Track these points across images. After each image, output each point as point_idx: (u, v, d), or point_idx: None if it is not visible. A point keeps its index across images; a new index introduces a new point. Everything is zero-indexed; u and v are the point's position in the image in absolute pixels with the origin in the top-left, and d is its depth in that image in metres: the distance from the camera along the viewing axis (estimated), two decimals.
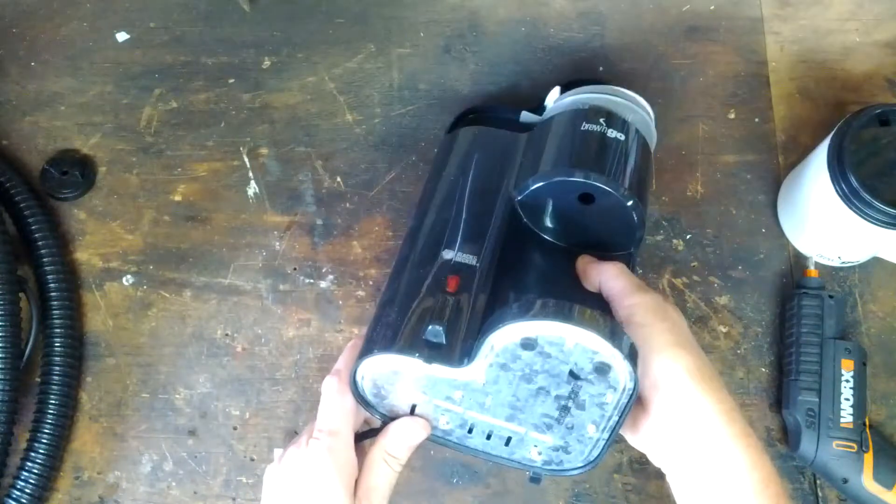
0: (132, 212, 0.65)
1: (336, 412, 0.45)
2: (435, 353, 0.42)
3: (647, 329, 0.43)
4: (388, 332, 0.44)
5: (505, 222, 0.51)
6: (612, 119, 0.52)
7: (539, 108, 0.59)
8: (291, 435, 0.59)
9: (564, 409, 0.42)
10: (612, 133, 0.51)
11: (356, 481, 0.44)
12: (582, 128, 0.52)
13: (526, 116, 0.60)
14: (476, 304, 0.45)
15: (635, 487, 0.58)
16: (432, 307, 0.44)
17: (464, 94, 0.68)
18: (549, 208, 0.51)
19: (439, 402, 0.44)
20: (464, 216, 0.51)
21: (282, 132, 0.67)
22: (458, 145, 0.57)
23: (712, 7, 0.70)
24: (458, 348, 0.42)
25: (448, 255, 0.48)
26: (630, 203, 0.49)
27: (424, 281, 0.46)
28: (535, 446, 0.45)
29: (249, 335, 0.62)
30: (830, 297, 0.58)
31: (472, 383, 0.43)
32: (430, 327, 0.42)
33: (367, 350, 0.44)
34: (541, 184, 0.50)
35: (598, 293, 0.48)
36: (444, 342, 0.42)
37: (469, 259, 0.47)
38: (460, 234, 0.49)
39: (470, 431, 0.46)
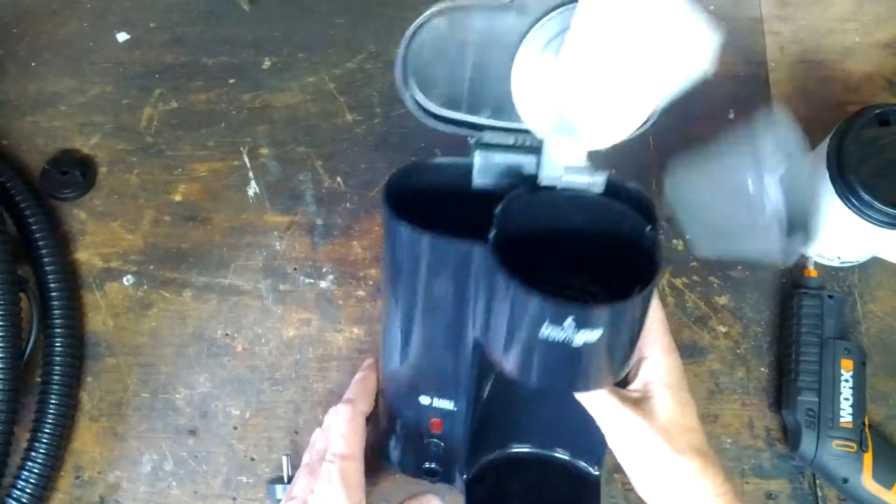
0: (132, 212, 0.65)
1: (348, 438, 0.47)
2: (436, 478, 0.52)
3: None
4: (394, 453, 0.53)
5: (475, 358, 0.45)
6: (584, 317, 0.37)
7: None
8: (292, 435, 0.59)
9: None
10: (580, 337, 0.38)
11: None
12: (540, 336, 0.38)
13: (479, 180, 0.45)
14: (464, 432, 0.49)
15: None
16: (424, 448, 0.50)
17: None
18: None
19: None
20: (432, 357, 0.46)
21: (282, 132, 0.67)
22: (405, 255, 0.44)
23: (711, 7, 0.70)
24: (455, 468, 0.51)
25: (425, 401, 0.49)
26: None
27: (410, 418, 0.50)
28: None
29: (249, 335, 0.62)
30: (830, 296, 0.59)
31: None
32: (425, 466, 0.51)
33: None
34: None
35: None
36: (440, 473, 0.51)
37: (447, 403, 0.49)
38: (433, 380, 0.48)
39: None
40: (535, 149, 0.43)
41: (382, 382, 0.52)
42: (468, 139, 0.45)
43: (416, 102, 0.43)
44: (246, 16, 0.71)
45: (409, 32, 0.40)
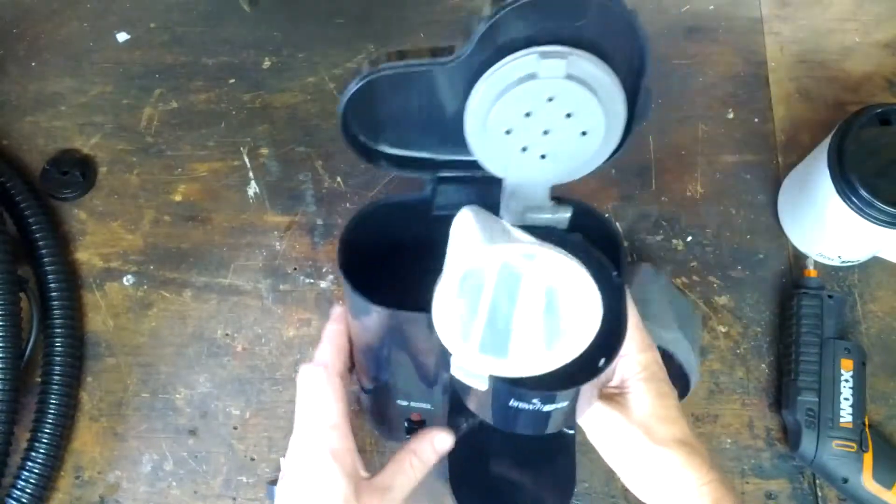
0: (133, 212, 0.65)
1: (328, 405, 0.45)
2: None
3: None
4: (383, 426, 0.55)
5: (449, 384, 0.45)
6: (549, 398, 0.38)
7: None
8: (292, 435, 0.59)
9: None
10: (548, 407, 0.39)
11: (375, 477, 0.45)
12: (510, 405, 0.39)
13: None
14: (443, 421, 0.48)
15: None
16: (404, 428, 0.51)
17: None
18: None
19: None
20: (404, 376, 0.46)
21: (282, 132, 0.67)
22: (366, 319, 0.43)
23: (712, 7, 0.70)
24: None
25: (402, 402, 0.48)
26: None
27: (388, 412, 0.50)
28: None
29: (249, 335, 0.62)
30: (830, 296, 0.59)
31: None
32: (406, 439, 0.50)
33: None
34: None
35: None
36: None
37: (424, 405, 0.48)
38: (407, 393, 0.47)
39: None
40: (496, 179, 0.40)
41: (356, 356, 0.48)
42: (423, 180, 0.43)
43: (365, 149, 0.41)
44: (246, 16, 0.71)
45: (348, 91, 0.38)
